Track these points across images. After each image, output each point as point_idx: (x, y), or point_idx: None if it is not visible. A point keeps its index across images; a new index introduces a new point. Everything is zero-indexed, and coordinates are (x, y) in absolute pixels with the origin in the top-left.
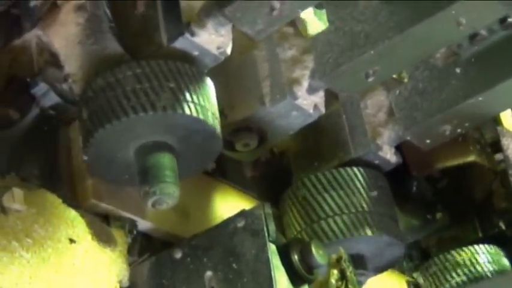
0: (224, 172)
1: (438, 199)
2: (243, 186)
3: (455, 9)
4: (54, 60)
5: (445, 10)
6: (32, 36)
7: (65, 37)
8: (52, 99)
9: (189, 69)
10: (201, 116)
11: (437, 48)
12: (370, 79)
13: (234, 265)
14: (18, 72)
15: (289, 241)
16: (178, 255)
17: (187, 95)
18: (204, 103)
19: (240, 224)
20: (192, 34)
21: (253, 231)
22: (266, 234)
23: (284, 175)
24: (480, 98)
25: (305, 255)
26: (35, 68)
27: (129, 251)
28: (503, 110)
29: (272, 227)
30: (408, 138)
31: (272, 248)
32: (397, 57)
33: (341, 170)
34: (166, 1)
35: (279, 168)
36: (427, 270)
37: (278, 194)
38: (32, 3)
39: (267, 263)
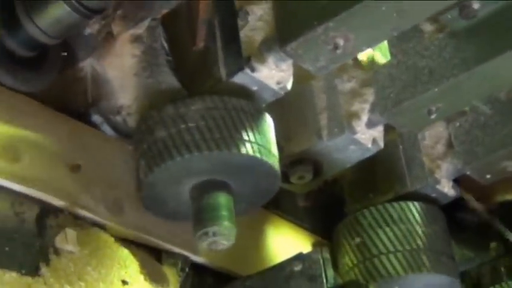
0: (277, 203)
1: (492, 228)
2: (295, 217)
3: None
4: (108, 92)
5: None
6: (86, 65)
7: (120, 68)
8: (106, 131)
9: (247, 105)
10: (257, 155)
11: (505, 86)
12: (433, 116)
13: None
14: (70, 103)
15: (346, 284)
16: None
17: (244, 133)
18: (262, 141)
19: (297, 267)
20: (252, 69)
21: (310, 276)
22: (324, 280)
23: (337, 204)
24: None
25: None
26: (89, 98)
27: None
28: None
29: (330, 272)
30: (468, 172)
31: None
32: (461, 94)
33: (396, 204)
34: (225, 34)
35: (332, 197)
36: None
37: (330, 224)
38: (86, 32)
39: None
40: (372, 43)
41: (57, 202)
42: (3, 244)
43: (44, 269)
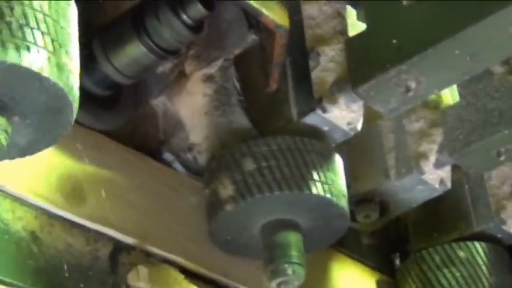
0: (341, 240)
1: None
2: (359, 254)
3: None
4: (180, 130)
5: None
6: (158, 103)
7: (191, 106)
8: (177, 168)
9: (317, 146)
10: (328, 195)
11: None
12: (502, 158)
13: None
14: (141, 141)
15: None
16: None
17: (315, 174)
18: (333, 181)
19: None
20: (324, 110)
21: None
22: None
23: (400, 243)
24: None
25: None
26: (161, 136)
27: None
28: None
29: None
30: None
31: None
32: None
33: (462, 244)
34: (296, 74)
35: (396, 235)
36: None
37: (394, 262)
38: (159, 70)
39: None
40: (443, 86)
41: (129, 240)
42: (79, 281)
43: None
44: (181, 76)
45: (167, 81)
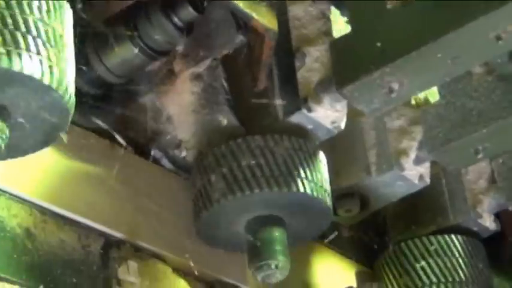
0: (322, 233)
1: None
2: (340, 247)
3: None
4: (168, 127)
5: None
6: (147, 101)
7: (179, 104)
8: (165, 165)
9: (304, 144)
10: (314, 194)
11: None
12: (480, 155)
13: None
14: (130, 138)
15: None
16: None
17: (302, 172)
18: (317, 180)
19: None
20: (309, 110)
21: None
22: None
23: (379, 235)
24: None
25: None
26: (149, 133)
27: None
28: None
29: None
30: (510, 208)
31: None
32: (509, 136)
33: (440, 237)
34: (282, 74)
35: (375, 227)
36: None
37: (373, 254)
38: (148, 69)
39: None
40: (425, 87)
41: (119, 235)
42: (71, 275)
43: None
44: (170, 75)
45: (156, 79)
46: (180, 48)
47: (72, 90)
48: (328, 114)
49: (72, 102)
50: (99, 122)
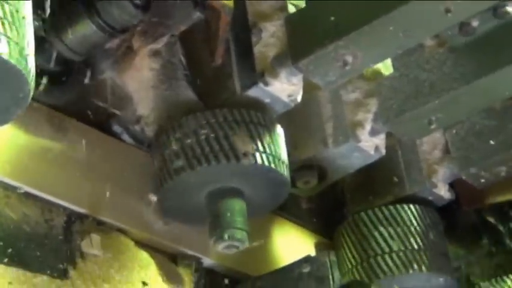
0: (282, 205)
1: (483, 227)
2: (299, 218)
3: None
4: (128, 103)
5: (510, 65)
6: (106, 77)
7: (139, 80)
8: (126, 140)
9: (262, 118)
10: (272, 166)
11: (502, 98)
12: (433, 126)
13: None
14: (90, 114)
15: (350, 284)
16: None
17: (260, 145)
18: (276, 152)
19: (305, 269)
20: (266, 84)
21: (318, 278)
22: (331, 282)
23: (338, 206)
24: None
25: None
26: (109, 109)
27: None
28: None
29: (337, 274)
30: (463, 177)
31: None
32: (460, 106)
33: (397, 206)
34: (239, 49)
35: (333, 199)
36: None
37: (332, 225)
38: (107, 46)
39: None
40: (378, 60)
41: (82, 209)
42: (35, 249)
43: (71, 272)
44: (129, 51)
45: (115, 56)
46: (138, 25)
47: (32, 66)
48: (284, 88)
49: (33, 78)
50: (60, 99)
